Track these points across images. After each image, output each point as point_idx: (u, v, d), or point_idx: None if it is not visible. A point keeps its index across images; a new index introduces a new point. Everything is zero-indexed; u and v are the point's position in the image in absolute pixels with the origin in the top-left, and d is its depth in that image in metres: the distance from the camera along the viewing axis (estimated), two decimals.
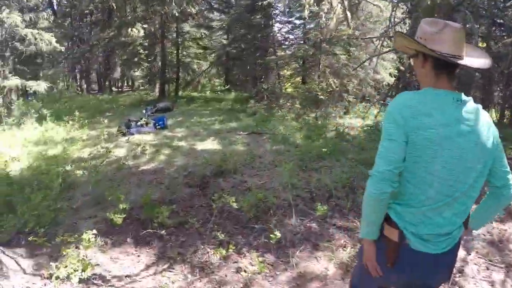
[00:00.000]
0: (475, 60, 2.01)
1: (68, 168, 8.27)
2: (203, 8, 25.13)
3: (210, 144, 10.76)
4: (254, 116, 15.13)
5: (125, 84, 37.08)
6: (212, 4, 25.65)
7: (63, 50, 18.29)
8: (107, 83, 32.67)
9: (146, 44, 24.48)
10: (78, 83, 31.31)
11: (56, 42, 17.38)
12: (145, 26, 24.64)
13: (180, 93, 24.28)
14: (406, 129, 1.86)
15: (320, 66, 15.45)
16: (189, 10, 23.40)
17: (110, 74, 29.34)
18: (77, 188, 7.50)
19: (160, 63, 23.03)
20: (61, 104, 19.89)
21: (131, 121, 13.23)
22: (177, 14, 19.72)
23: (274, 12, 20.09)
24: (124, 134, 12.36)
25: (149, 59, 24.45)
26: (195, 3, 24.53)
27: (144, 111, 17.33)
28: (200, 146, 10.59)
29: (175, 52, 23.75)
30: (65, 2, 31.92)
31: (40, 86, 16.26)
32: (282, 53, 19.20)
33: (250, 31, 19.09)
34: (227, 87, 26.47)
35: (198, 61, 25.48)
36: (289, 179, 7.01)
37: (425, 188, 1.91)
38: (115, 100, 23.25)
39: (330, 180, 7.29)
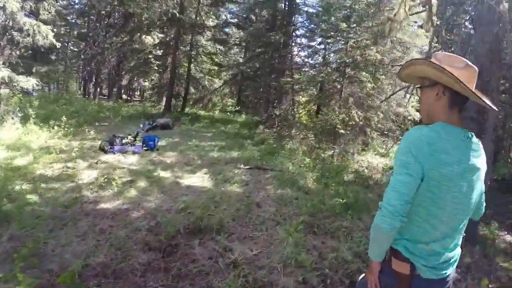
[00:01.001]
0: (484, 97, 1.93)
1: (18, 188, 6.58)
2: (221, 21, 23.04)
3: (200, 179, 8.47)
4: (261, 146, 12.86)
5: (137, 93, 35.13)
6: (231, 19, 23.46)
7: (59, 46, 16.22)
8: (114, 89, 30.82)
9: (159, 53, 22.33)
10: (84, 86, 29.33)
11: (54, 37, 15.19)
12: (160, 35, 22.75)
13: (187, 109, 22.06)
14: (424, 166, 1.82)
15: (342, 94, 12.91)
16: (206, 22, 21.50)
17: (119, 81, 27.21)
18: (7, 223, 5.27)
19: (169, 76, 20.83)
20: (58, 106, 18.33)
21: (116, 137, 11.10)
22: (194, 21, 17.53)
23: (294, 32, 17.75)
24: (105, 152, 10.45)
25: (160, 70, 22.30)
26: (213, 15, 22.66)
27: (141, 125, 15.34)
28: (187, 180, 8.33)
29: (186, 65, 21.55)
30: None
31: (29, 82, 14.11)
32: (299, 76, 16.68)
33: (267, 49, 16.78)
34: (238, 108, 24.17)
35: (211, 77, 23.22)
36: (293, 250, 4.91)
37: (435, 222, 1.91)
38: (117, 109, 21.29)
39: (351, 252, 5.20)
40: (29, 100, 17.21)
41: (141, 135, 12.32)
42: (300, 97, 17.59)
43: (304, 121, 15.72)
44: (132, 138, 11.23)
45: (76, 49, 32.64)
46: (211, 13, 22.37)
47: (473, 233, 6.17)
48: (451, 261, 2.04)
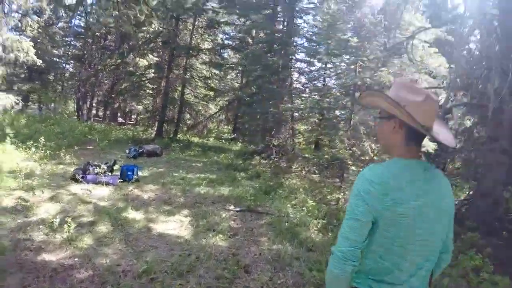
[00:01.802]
0: (444, 135, 1.88)
1: None
2: (216, 44, 21.55)
3: (178, 225, 6.83)
4: (256, 180, 11.19)
5: (133, 116, 33.56)
6: (227, 41, 21.95)
7: (40, 63, 14.73)
8: (108, 112, 29.34)
9: (153, 76, 20.81)
10: (78, 107, 27.87)
11: (38, 53, 13.76)
12: (155, 58, 21.31)
13: (179, 136, 20.38)
14: (376, 207, 1.70)
15: (351, 122, 11.13)
16: (201, 45, 20.06)
17: (112, 104, 25.64)
18: None
19: (162, 100, 19.26)
20: (46, 125, 16.97)
21: (90, 165, 9.46)
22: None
23: (294, 55, 16.15)
24: (76, 181, 8.97)
25: (153, 94, 20.75)
26: (208, 38, 21.25)
27: (127, 151, 13.69)
28: (161, 225, 6.70)
29: (180, 89, 19.99)
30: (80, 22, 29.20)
31: (7, 100, 12.60)
32: (301, 102, 14.65)
33: (265, 72, 15.16)
34: (233, 136, 22.52)
35: (206, 103, 21.60)
36: None
37: (400, 261, 1.76)
38: (107, 132, 19.76)
39: None
40: (10, 118, 15.69)
41: (121, 164, 10.65)
42: (300, 125, 15.93)
43: (306, 154, 13.90)
44: (108, 167, 9.58)
45: (74, 71, 31.28)
46: (206, 35, 20.97)
47: None
48: None
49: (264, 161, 14.38)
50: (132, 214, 6.96)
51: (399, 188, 1.68)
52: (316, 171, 11.72)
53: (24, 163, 10.09)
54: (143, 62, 21.64)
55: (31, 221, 6.04)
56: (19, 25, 19.99)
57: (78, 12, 28.62)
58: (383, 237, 1.74)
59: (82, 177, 8.98)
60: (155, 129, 20.09)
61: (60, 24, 29.46)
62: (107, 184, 8.93)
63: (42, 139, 11.57)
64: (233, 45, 20.99)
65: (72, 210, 6.88)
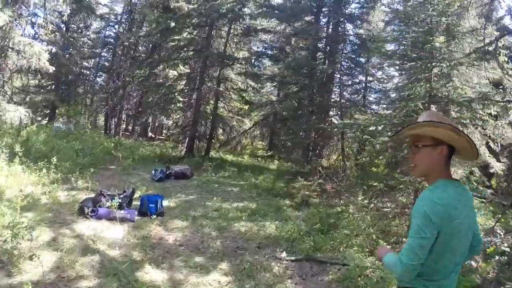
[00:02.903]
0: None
1: None
2: (253, 53, 19.51)
3: None
4: (304, 210, 9.09)
5: (165, 131, 31.79)
6: (265, 50, 19.78)
7: (52, 70, 13.04)
8: (136, 126, 27.73)
9: (184, 88, 18.93)
10: (106, 121, 26.37)
11: (51, 60, 12.03)
12: (186, 70, 19.46)
13: (212, 153, 18.33)
14: (439, 225, 1.96)
15: None
16: (236, 54, 18.07)
17: (141, 118, 23.87)
18: None
19: (193, 114, 17.30)
20: (68, 141, 14.90)
21: (103, 196, 7.50)
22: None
23: (341, 64, 13.78)
24: (85, 216, 7.02)
25: (183, 107, 18.82)
26: (244, 47, 19.26)
27: (153, 172, 11.77)
28: None
29: (213, 103, 18.01)
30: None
31: (17, 113, 10.89)
32: (366, 116, 11.68)
33: (311, 82, 12.96)
34: (270, 153, 20.35)
35: (240, 117, 19.54)
36: None
37: (446, 263, 2.08)
38: (134, 148, 17.84)
39: None
40: (28, 133, 13.99)
41: (143, 192, 8.70)
42: (348, 143, 13.53)
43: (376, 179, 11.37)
44: (124, 197, 7.60)
45: (103, 83, 29.81)
46: (242, 44, 19.01)
47: None
48: None
49: (307, 182, 12.26)
50: (150, 273, 4.96)
51: (454, 207, 2.00)
52: (381, 200, 9.37)
53: (31, 188, 8.51)
54: (173, 73, 19.79)
55: (11, 284, 4.29)
56: (37, 30, 18.64)
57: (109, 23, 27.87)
58: (438, 247, 2.00)
59: (92, 211, 7.07)
60: (185, 145, 18.14)
61: (91, 35, 28.25)
62: (123, 220, 6.97)
63: (54, 159, 9.81)
64: (272, 53, 18.87)
65: (70, 265, 4.99)
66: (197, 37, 17.47)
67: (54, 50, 23.75)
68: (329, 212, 8.56)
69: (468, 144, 2.07)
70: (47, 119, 23.96)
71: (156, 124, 29.58)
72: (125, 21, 26.50)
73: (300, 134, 14.29)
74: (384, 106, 18.09)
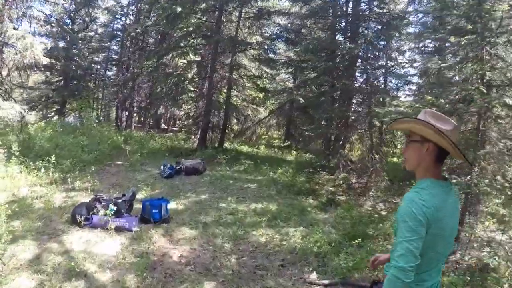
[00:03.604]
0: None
1: None
2: (267, 37, 18.04)
3: None
4: (331, 211, 7.88)
5: (178, 122, 30.55)
6: (280, 33, 18.19)
7: (46, 62, 11.97)
8: (148, 119, 26.71)
9: (194, 77, 17.68)
10: (117, 115, 25.42)
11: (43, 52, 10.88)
12: (196, 58, 18.18)
13: (226, 144, 17.10)
14: (427, 226, 1.97)
15: (479, 136, 6.60)
16: (248, 39, 16.74)
17: (151, 109, 22.68)
18: None
19: (205, 104, 16.06)
20: (75, 137, 13.93)
21: (98, 201, 6.27)
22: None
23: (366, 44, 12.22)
24: (78, 225, 6.03)
25: (195, 97, 17.58)
26: (257, 31, 17.88)
27: (162, 168, 10.60)
28: None
29: (225, 92, 16.74)
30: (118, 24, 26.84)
31: (12, 110, 9.83)
32: (394, 103, 9.59)
33: (332, 66, 11.50)
34: (287, 143, 19.00)
35: (255, 106, 18.21)
36: None
37: (435, 258, 2.11)
38: (145, 141, 16.73)
39: None
40: (26, 130, 12.92)
41: (145, 196, 7.53)
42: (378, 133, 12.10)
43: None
44: (123, 202, 6.42)
45: (114, 76, 28.74)
46: (254, 28, 17.58)
47: None
48: (438, 284, 2.23)
49: (330, 176, 11.00)
50: None
51: (440, 208, 2.00)
52: None
53: (26, 191, 7.76)
54: (183, 62, 18.51)
55: None
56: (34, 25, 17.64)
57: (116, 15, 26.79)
58: (425, 245, 1.97)
59: (86, 219, 5.93)
60: (198, 137, 16.92)
61: (98, 29, 27.25)
62: (121, 229, 5.81)
63: (52, 158, 8.81)
64: (287, 37, 17.37)
65: None
66: (206, 22, 16.16)
67: (61, 45, 23.09)
68: (361, 215, 7.29)
69: (450, 146, 2.08)
70: (57, 114, 23.23)
71: (168, 116, 28.39)
72: (132, 12, 25.42)
73: (322, 123, 12.93)
74: (407, 92, 16.67)
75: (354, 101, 12.82)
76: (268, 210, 7.61)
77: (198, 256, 5.21)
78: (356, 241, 5.77)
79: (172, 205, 7.32)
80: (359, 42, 11.68)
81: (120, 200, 6.38)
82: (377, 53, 12.48)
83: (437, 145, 2.07)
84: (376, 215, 7.35)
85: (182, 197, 8.23)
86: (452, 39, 7.31)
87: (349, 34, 13.07)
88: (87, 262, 4.77)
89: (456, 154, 2.11)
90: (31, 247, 5.11)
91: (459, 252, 5.64)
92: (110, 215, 5.79)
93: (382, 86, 13.38)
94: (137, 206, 6.87)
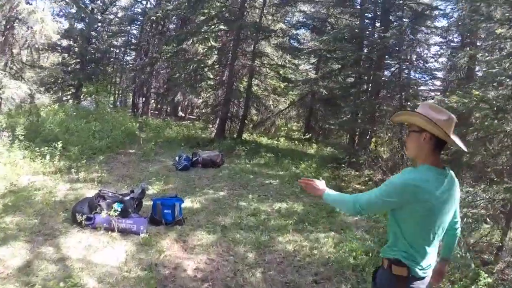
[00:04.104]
0: (459, 142, 2.27)
1: None
2: (292, 24, 17.00)
3: None
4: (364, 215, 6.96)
5: (196, 110, 29.65)
6: (305, 21, 17.06)
7: (56, 40, 11.19)
8: (165, 106, 25.98)
9: (216, 65, 16.79)
10: (133, 100, 24.72)
11: (60, 33, 10.14)
12: (217, 45, 17.28)
13: (244, 135, 16.20)
14: (406, 201, 2.14)
15: None
16: (272, 26, 15.77)
17: (168, 96, 21.81)
18: None
19: (225, 92, 15.16)
20: (88, 121, 13.20)
21: (103, 198, 5.44)
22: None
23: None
24: (79, 225, 5.20)
25: (215, 85, 16.71)
26: (281, 18, 16.90)
27: (177, 159, 9.78)
28: None
29: (246, 81, 15.82)
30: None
31: (19, 90, 9.08)
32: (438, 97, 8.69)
33: (365, 57, 10.50)
34: (307, 136, 18.03)
35: (276, 96, 17.25)
36: None
37: (426, 237, 2.23)
38: (161, 129, 15.96)
39: None
40: (35, 112, 12.20)
41: (157, 193, 6.64)
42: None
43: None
44: (130, 200, 5.58)
45: (132, 61, 27.91)
46: (279, 16, 16.58)
47: None
48: (431, 264, 2.34)
49: (355, 172, 10.11)
50: None
51: (429, 191, 2.12)
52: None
53: (27, 180, 6.96)
54: (204, 48, 17.60)
55: None
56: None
57: None
58: (413, 224, 2.19)
59: (88, 219, 5.11)
60: (216, 127, 16.06)
61: (118, 13, 26.43)
62: (128, 232, 4.99)
63: (59, 144, 8.16)
64: (313, 25, 16.28)
65: None
66: (229, 7, 15.21)
67: (79, 26, 22.44)
68: None
69: (442, 134, 2.17)
70: (73, 98, 22.59)
71: (186, 103, 27.57)
72: None
73: (349, 116, 11.93)
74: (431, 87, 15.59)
75: (382, 94, 11.84)
76: (293, 211, 6.73)
77: (217, 270, 4.34)
78: None
79: (187, 203, 6.47)
80: (390, 32, 10.66)
81: (127, 198, 5.53)
82: (413, 44, 11.42)
83: (434, 135, 2.19)
84: None
85: (198, 193, 7.37)
86: (499, 30, 6.61)
87: (378, 23, 12.04)
88: (85, 274, 3.95)
89: (451, 141, 2.21)
90: (23, 251, 4.32)
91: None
92: (115, 215, 4.96)
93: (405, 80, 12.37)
94: (147, 203, 6.04)
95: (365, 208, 2.24)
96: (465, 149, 2.28)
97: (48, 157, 7.99)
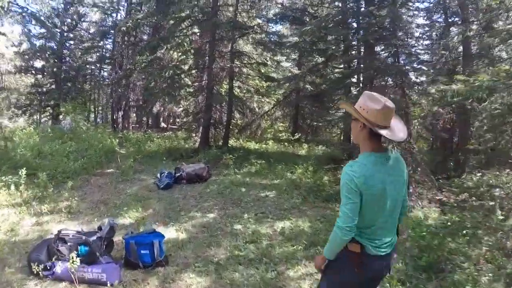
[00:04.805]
0: (395, 133, 2.32)
1: None
2: (269, 18, 15.76)
3: None
4: None
5: (177, 120, 28.40)
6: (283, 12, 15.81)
7: (32, 63, 9.97)
8: (144, 118, 24.87)
9: (193, 69, 15.57)
10: (112, 115, 23.46)
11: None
12: (191, 47, 16.03)
13: (231, 142, 14.97)
14: (359, 192, 2.22)
15: None
16: (249, 22, 14.66)
17: (146, 108, 20.53)
18: None
19: (205, 98, 13.95)
20: (64, 142, 12.33)
21: (63, 241, 4.18)
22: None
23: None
24: (36, 274, 3.99)
25: (195, 91, 15.49)
26: (257, 13, 15.80)
27: (158, 176, 8.58)
28: None
29: (226, 84, 14.64)
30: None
31: None
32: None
33: (347, 45, 9.35)
34: (296, 136, 16.90)
35: (260, 97, 16.08)
36: None
37: (375, 218, 2.33)
38: (142, 143, 14.75)
39: None
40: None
41: (129, 231, 5.31)
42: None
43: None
44: (98, 239, 4.36)
45: (108, 76, 26.66)
46: (254, 11, 15.44)
47: None
48: (389, 243, 2.43)
49: None
50: None
51: (371, 177, 2.22)
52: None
53: None
54: (179, 54, 16.39)
55: None
56: None
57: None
58: (365, 207, 2.25)
59: (46, 269, 3.88)
60: (200, 135, 14.81)
61: (90, 29, 25.24)
62: (97, 283, 3.79)
63: (23, 171, 7.06)
64: (293, 16, 15.05)
65: None
66: (201, 6, 14.01)
67: (51, 45, 21.33)
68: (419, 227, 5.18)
69: (370, 125, 2.24)
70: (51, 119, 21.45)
71: (167, 113, 26.32)
72: (123, 7, 23.38)
73: (339, 111, 10.81)
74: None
75: (376, 83, 10.72)
76: (300, 231, 5.53)
77: None
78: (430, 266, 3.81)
79: (171, 233, 5.28)
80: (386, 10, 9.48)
81: (94, 237, 4.28)
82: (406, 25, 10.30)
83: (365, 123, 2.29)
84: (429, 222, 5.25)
85: (184, 218, 6.14)
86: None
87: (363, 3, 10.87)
88: None
89: (376, 131, 2.24)
90: None
91: None
92: (78, 263, 3.73)
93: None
94: (119, 238, 4.82)
95: (349, 222, 2.23)
96: (395, 139, 2.30)
97: (12, 187, 6.92)
